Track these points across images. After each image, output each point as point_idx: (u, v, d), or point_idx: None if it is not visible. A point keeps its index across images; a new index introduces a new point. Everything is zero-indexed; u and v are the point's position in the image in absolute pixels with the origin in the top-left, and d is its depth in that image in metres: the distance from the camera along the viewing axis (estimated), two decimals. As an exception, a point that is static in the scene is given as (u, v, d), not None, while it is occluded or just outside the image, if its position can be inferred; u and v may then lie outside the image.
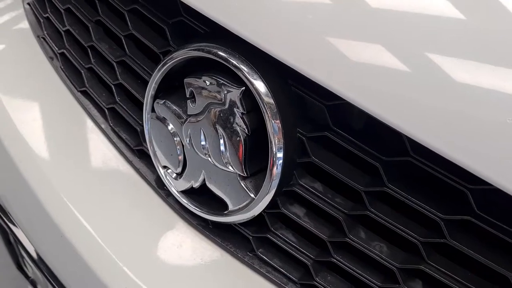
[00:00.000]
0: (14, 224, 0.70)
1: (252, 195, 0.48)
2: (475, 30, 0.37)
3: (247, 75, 0.45)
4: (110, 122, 0.61)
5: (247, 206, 0.48)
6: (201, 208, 0.53)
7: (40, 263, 0.66)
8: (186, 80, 0.49)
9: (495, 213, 0.39)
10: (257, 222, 0.50)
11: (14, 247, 0.76)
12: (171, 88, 0.52)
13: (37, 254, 0.67)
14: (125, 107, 0.60)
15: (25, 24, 0.72)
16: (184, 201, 0.54)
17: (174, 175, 0.54)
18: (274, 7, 0.42)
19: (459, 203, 0.40)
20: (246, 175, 0.48)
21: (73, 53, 0.66)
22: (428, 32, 0.37)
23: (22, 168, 0.65)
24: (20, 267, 0.80)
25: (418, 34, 0.37)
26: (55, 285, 0.65)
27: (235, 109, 0.46)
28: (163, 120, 0.52)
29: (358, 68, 0.38)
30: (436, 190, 0.41)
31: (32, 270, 0.76)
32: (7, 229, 0.70)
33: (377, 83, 0.37)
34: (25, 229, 0.68)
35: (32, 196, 0.63)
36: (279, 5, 0.42)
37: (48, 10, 0.69)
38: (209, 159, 0.49)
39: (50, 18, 0.68)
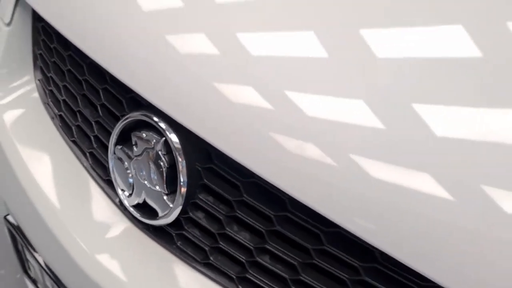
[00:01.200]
0: (25, 237, 0.98)
1: (171, 206, 0.76)
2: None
3: (166, 131, 0.73)
4: (90, 162, 0.90)
5: (169, 213, 0.76)
6: (144, 216, 0.80)
7: (44, 266, 0.93)
8: (132, 133, 0.78)
9: (304, 210, 0.66)
10: (177, 223, 0.78)
11: (21, 253, 1.03)
12: (125, 138, 0.81)
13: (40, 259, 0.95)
14: (99, 151, 0.88)
15: (36, 94, 1.02)
16: (134, 212, 0.82)
17: (127, 194, 0.82)
18: (187, 95, 0.70)
19: (283, 204, 0.67)
20: (167, 192, 0.76)
21: (67, 115, 0.95)
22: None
23: (33, 198, 0.93)
24: (26, 271, 1.07)
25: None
26: (53, 279, 0.92)
27: (160, 152, 0.74)
28: (120, 160, 0.81)
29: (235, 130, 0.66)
30: (269, 197, 0.68)
31: (34, 271, 1.03)
32: (18, 239, 0.98)
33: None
34: (33, 241, 0.96)
35: (38, 215, 0.90)
36: (192, 93, 0.70)
37: (52, 85, 0.99)
38: (146, 183, 0.77)
39: (53, 91, 0.98)
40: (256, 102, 0.64)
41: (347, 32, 0.66)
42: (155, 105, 0.71)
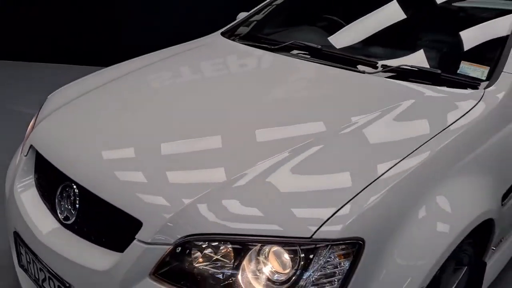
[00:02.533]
0: (22, 239, 2.29)
1: (74, 214, 2.09)
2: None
3: (75, 188, 2.09)
4: (49, 205, 2.23)
5: (73, 217, 2.08)
6: (66, 221, 2.13)
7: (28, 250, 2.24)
8: (64, 190, 2.14)
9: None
10: (77, 221, 2.10)
11: (19, 250, 2.32)
12: (62, 192, 2.15)
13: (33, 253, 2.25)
14: (53, 200, 2.22)
15: (33, 183, 2.38)
16: (63, 221, 2.10)
17: (61, 213, 2.14)
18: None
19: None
20: (73, 209, 2.09)
21: (43, 188, 2.32)
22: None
23: (27, 221, 2.26)
24: (20, 263, 2.34)
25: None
26: (31, 254, 2.22)
27: (71, 195, 2.09)
28: (59, 201, 2.13)
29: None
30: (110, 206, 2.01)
31: (23, 260, 2.31)
32: (18, 241, 2.28)
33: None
34: (25, 239, 2.28)
35: (29, 228, 2.22)
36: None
37: (40, 179, 2.37)
38: (67, 206, 2.10)
39: (41, 181, 2.37)
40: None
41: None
42: (75, 180, 2.09)
